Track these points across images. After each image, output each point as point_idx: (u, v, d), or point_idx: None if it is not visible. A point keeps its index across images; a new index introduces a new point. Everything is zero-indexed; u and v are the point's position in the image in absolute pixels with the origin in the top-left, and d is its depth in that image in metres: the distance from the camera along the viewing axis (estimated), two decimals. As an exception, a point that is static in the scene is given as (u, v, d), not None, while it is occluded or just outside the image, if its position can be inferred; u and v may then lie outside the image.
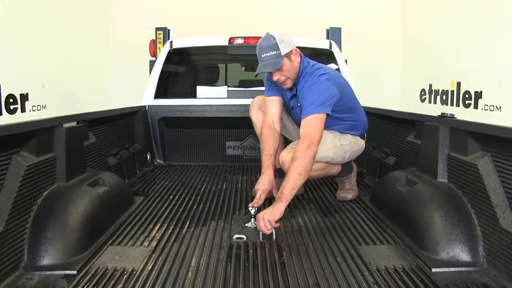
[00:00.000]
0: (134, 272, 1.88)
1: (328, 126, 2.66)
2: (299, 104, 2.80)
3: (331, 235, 2.35)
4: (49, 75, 5.72)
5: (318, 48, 4.43)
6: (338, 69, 4.20)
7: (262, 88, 3.15)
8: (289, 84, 2.74)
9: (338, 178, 3.12)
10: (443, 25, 6.32)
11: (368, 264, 1.95)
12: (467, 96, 5.67)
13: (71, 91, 6.31)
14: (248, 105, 3.21)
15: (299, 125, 2.95)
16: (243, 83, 4.75)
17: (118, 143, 3.57)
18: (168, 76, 4.64)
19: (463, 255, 1.96)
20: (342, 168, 3.06)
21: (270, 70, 2.63)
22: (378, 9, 7.77)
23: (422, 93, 6.97)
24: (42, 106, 5.58)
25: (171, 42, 4.42)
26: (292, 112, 2.97)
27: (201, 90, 4.47)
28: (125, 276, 1.84)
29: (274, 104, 2.94)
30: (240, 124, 4.22)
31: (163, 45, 4.80)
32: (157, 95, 4.30)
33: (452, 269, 1.90)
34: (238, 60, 4.91)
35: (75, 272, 1.88)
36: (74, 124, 2.64)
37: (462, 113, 5.37)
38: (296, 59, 2.68)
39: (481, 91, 5.39)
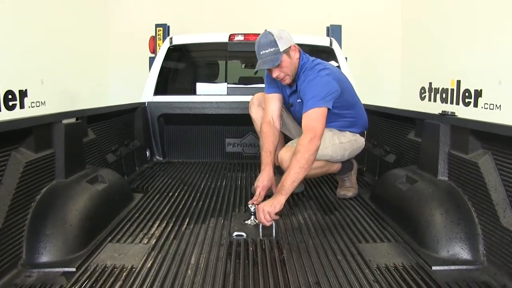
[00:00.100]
0: (134, 269, 1.88)
1: (327, 122, 2.65)
2: (298, 100, 2.79)
3: (331, 232, 2.35)
4: (48, 71, 5.70)
5: (319, 46, 4.41)
6: (338, 67, 4.18)
7: (262, 85, 3.14)
8: (288, 80, 2.74)
9: (338, 175, 3.11)
10: (443, 23, 6.31)
11: (368, 262, 1.94)
12: (467, 94, 5.67)
13: (70, 87, 6.29)
14: (248, 102, 3.20)
15: (298, 122, 2.95)
16: (243, 80, 4.74)
17: (118, 139, 3.56)
18: (168, 73, 4.62)
19: (464, 253, 1.96)
20: (342, 165, 3.05)
21: (269, 66, 2.62)
22: (378, 7, 7.75)
23: (422, 91, 6.96)
24: (41, 102, 5.57)
25: (171, 38, 4.40)
26: (292, 109, 2.96)
27: (201, 86, 4.46)
28: (124, 273, 1.84)
29: (274, 101, 2.93)
30: (239, 121, 4.21)
31: (163, 42, 4.78)
32: (157, 92, 4.29)
33: (452, 267, 1.89)
34: (238, 57, 4.89)
35: (74, 269, 1.87)
36: (73, 120, 2.63)
37: (462, 112, 5.37)
38: (295, 55, 2.68)
39: (481, 90, 5.38)
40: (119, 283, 1.75)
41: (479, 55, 5.38)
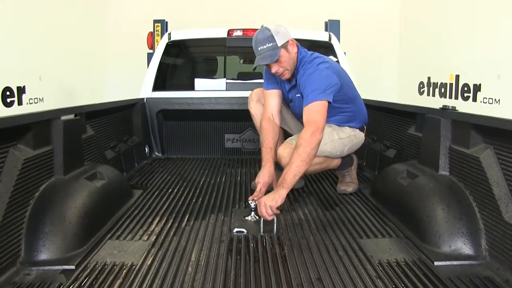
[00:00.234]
0: (133, 266, 1.86)
1: (327, 116, 2.63)
2: (298, 95, 2.78)
3: (332, 228, 2.34)
4: (46, 67, 5.67)
5: (318, 41, 4.40)
6: (337, 62, 4.16)
7: (261, 81, 3.12)
8: (288, 75, 2.72)
9: (338, 171, 3.10)
10: (442, 18, 6.29)
11: (370, 257, 1.93)
12: (465, 89, 5.66)
13: (68, 83, 6.26)
14: (247, 98, 3.18)
15: (298, 118, 2.94)
16: (242, 76, 4.72)
17: (116, 136, 3.54)
18: (167, 69, 4.60)
19: (466, 249, 1.95)
20: (342, 161, 3.03)
21: (267, 62, 2.61)
22: (377, 2, 7.73)
23: (421, 86, 6.95)
24: (39, 99, 5.54)
25: (169, 34, 4.38)
26: (291, 104, 2.94)
27: (199, 82, 4.44)
28: (124, 271, 1.82)
29: (273, 97, 2.91)
30: (239, 117, 4.19)
31: (161, 38, 4.76)
32: (156, 88, 4.27)
33: (454, 263, 1.89)
34: (237, 53, 4.87)
35: (73, 267, 1.85)
36: (71, 116, 2.61)
37: (461, 106, 5.35)
38: (293, 49, 2.66)
39: (480, 84, 5.37)
40: (119, 281, 1.73)
41: (478, 50, 5.38)
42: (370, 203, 2.77)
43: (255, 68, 2.70)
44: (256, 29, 2.68)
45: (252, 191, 2.69)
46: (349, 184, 3.06)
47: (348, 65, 4.22)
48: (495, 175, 1.93)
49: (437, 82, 6.44)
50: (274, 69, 2.65)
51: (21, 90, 5.18)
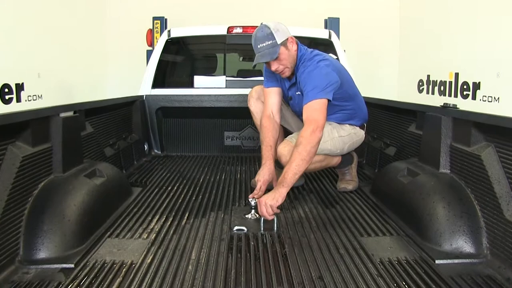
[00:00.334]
0: (133, 265, 1.85)
1: (327, 114, 2.62)
2: (298, 93, 2.77)
3: (332, 226, 2.33)
4: (45, 64, 5.64)
5: (318, 38, 4.38)
6: (337, 59, 4.15)
7: (261, 78, 3.11)
8: (288, 73, 2.71)
9: (338, 169, 3.09)
10: (441, 15, 6.27)
11: (371, 256, 1.93)
12: (465, 87, 5.64)
13: (67, 81, 6.23)
14: (246, 95, 3.17)
15: (298, 116, 2.92)
16: (242, 73, 4.71)
17: (116, 133, 3.53)
18: (166, 66, 4.58)
19: (467, 247, 1.94)
20: (342, 159, 3.03)
21: (267, 60, 2.59)
22: (376, 0, 7.70)
23: (420, 83, 6.94)
24: (38, 96, 5.52)
25: (169, 31, 4.36)
26: (291, 102, 2.93)
27: (199, 80, 4.42)
28: (124, 269, 1.81)
29: (273, 95, 2.90)
30: (238, 114, 4.18)
31: (160, 35, 4.74)
32: (155, 85, 4.25)
33: (456, 261, 1.88)
34: (237, 50, 4.85)
35: (72, 265, 1.84)
36: (71, 114, 2.59)
37: (460, 104, 5.33)
38: (293, 47, 2.65)
39: (479, 82, 5.36)
40: (118, 279, 1.72)
41: (477, 48, 5.36)
42: (370, 201, 2.76)
43: (254, 65, 2.69)
44: (256, 27, 2.67)
45: (252, 189, 2.68)
46: (349, 182, 3.05)
47: (348, 63, 4.20)
48: (496, 173, 1.93)
49: (436, 80, 6.43)
50: (274, 66, 2.64)
51: (20, 87, 5.16)
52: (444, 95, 6.17)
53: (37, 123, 2.16)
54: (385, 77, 7.67)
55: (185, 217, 2.47)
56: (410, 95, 6.96)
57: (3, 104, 4.87)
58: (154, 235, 2.19)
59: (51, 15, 5.87)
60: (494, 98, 5.06)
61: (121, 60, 7.40)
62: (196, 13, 7.21)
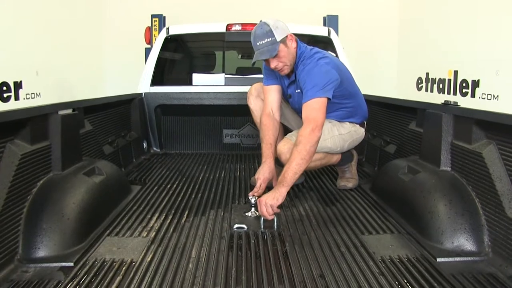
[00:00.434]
0: (133, 263, 1.84)
1: (327, 112, 2.61)
2: (297, 91, 2.76)
3: (333, 224, 2.32)
4: (43, 62, 5.62)
5: (317, 36, 4.37)
6: (337, 57, 4.14)
7: (260, 76, 3.10)
8: (287, 70, 2.70)
9: (338, 166, 3.08)
10: (440, 13, 6.27)
11: (372, 254, 1.92)
12: (464, 84, 5.64)
13: (65, 78, 6.21)
14: (246, 93, 3.16)
15: (297, 113, 2.91)
16: (241, 70, 4.69)
17: (114, 131, 3.51)
18: (165, 63, 4.57)
19: (468, 245, 1.94)
20: (343, 156, 3.02)
21: (266, 57, 2.58)
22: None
23: (419, 81, 6.93)
24: (36, 94, 5.50)
25: (167, 28, 4.34)
26: (290, 100, 2.92)
27: (198, 77, 4.40)
28: (124, 267, 1.80)
29: (273, 92, 2.89)
30: (237, 112, 4.17)
31: (159, 33, 4.72)
32: (154, 83, 4.23)
33: (457, 259, 1.87)
34: (236, 47, 4.84)
35: (72, 264, 1.83)
36: (69, 111, 2.58)
37: (459, 102, 5.33)
38: (292, 44, 2.64)
39: (478, 80, 5.36)
40: (118, 278, 1.71)
41: (476, 45, 5.35)
42: (370, 199, 2.75)
43: (254, 63, 2.68)
44: (255, 24, 2.65)
45: (252, 187, 2.67)
46: (349, 179, 3.04)
47: (348, 61, 4.19)
48: (498, 170, 1.92)
49: (435, 78, 6.42)
50: (273, 64, 2.63)
51: (18, 85, 5.14)
52: (443, 93, 6.17)
53: (36, 121, 2.14)
54: (383, 75, 7.66)
55: (185, 215, 2.46)
56: (409, 93, 6.95)
57: (1, 102, 4.86)
58: (154, 233, 2.18)
59: (49, 13, 5.85)
60: (493, 96, 5.06)
61: (120, 58, 7.36)
62: (195, 11, 7.19)
